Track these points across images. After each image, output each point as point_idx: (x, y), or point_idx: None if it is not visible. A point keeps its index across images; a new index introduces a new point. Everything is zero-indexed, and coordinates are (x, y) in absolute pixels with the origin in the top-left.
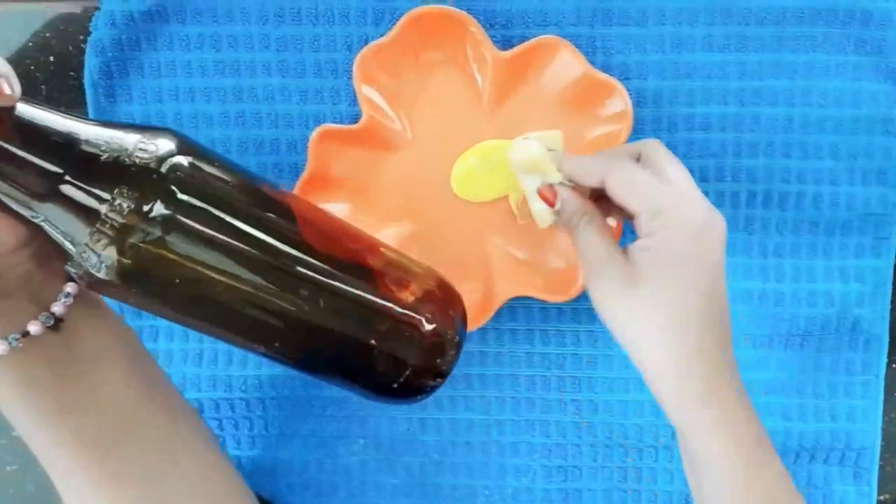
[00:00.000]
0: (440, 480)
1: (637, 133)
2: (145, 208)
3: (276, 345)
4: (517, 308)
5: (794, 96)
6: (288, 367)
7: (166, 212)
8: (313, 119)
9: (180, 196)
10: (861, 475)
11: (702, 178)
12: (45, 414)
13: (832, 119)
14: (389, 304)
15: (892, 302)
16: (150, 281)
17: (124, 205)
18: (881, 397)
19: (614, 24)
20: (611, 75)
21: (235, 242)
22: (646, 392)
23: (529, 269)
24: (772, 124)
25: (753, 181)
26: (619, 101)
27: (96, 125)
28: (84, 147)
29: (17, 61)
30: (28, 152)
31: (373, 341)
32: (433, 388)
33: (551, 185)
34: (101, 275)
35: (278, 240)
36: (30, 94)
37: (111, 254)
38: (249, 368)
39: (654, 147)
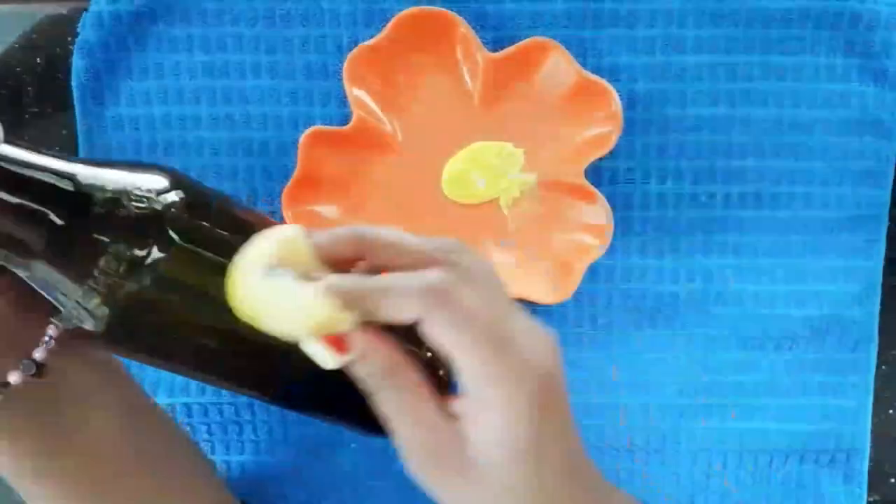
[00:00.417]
0: None
1: (627, 135)
2: (146, 261)
3: (280, 390)
4: None
5: (784, 98)
6: (287, 409)
7: (166, 264)
8: (303, 121)
9: (181, 245)
10: (851, 476)
11: (692, 179)
12: (28, 463)
13: (822, 120)
14: None
15: (882, 303)
16: (148, 336)
17: (122, 259)
18: (871, 398)
19: (605, 27)
20: (601, 77)
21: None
22: (637, 396)
23: (520, 271)
24: (762, 126)
25: (744, 182)
26: (610, 103)
27: (84, 166)
28: (75, 197)
29: (3, 62)
30: (13, 202)
31: None
32: None
33: (341, 334)
34: (96, 330)
35: None
36: (16, 96)
37: (107, 311)
38: None
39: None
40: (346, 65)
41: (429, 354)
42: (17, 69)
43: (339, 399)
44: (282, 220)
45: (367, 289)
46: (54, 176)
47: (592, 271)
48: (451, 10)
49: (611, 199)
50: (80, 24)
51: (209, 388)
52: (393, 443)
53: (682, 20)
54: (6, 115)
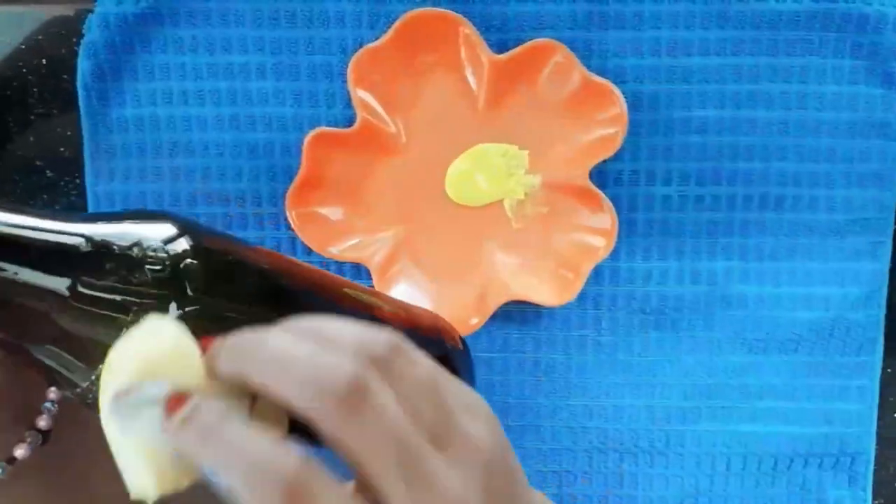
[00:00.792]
0: None
1: (633, 137)
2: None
3: None
4: (511, 312)
5: (790, 100)
6: None
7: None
8: (308, 122)
9: (204, 303)
10: (856, 480)
11: (697, 181)
12: None
13: (828, 122)
14: None
15: (887, 306)
16: None
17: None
18: (876, 402)
19: (610, 28)
20: (606, 79)
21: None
22: (640, 397)
23: (524, 273)
24: (768, 128)
25: (749, 184)
26: (615, 105)
27: (78, 225)
28: (82, 269)
29: (9, 64)
30: (15, 284)
31: None
32: None
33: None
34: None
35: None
36: (22, 97)
37: None
38: None
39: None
40: (350, 66)
41: None
42: (23, 70)
43: None
44: (286, 222)
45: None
46: (54, 240)
47: (597, 273)
48: (456, 12)
49: (616, 201)
50: (85, 26)
51: None
52: None
53: (688, 22)
54: (12, 116)
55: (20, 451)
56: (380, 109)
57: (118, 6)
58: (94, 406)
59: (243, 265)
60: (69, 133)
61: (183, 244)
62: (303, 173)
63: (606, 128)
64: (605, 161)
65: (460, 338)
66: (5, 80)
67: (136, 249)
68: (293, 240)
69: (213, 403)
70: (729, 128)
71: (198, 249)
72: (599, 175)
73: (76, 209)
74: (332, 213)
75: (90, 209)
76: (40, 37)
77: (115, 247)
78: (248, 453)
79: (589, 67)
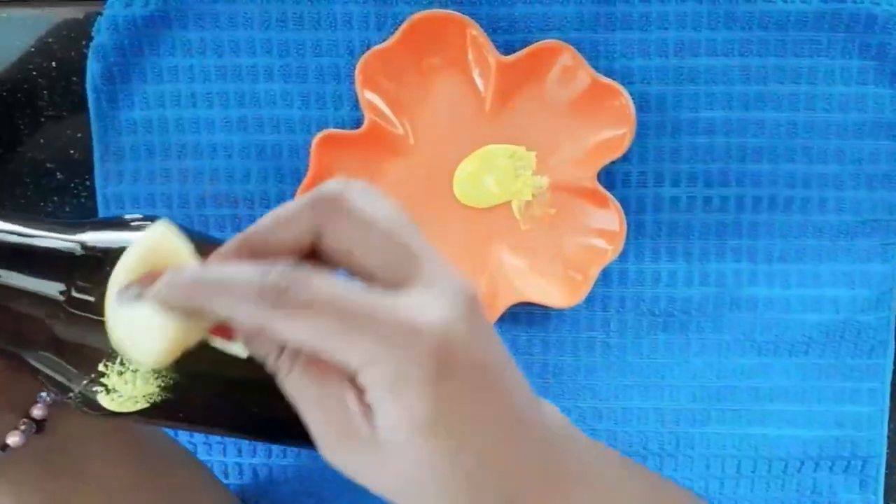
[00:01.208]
0: None
1: (640, 138)
2: None
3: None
4: (519, 314)
5: (799, 101)
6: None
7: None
8: (315, 124)
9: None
10: (867, 483)
11: (706, 182)
12: None
13: (837, 123)
14: None
15: None
16: (167, 408)
17: None
18: (887, 404)
19: (617, 29)
20: (614, 80)
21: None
22: (649, 400)
23: (532, 275)
24: (776, 129)
25: (758, 186)
26: (623, 106)
27: (71, 231)
28: (76, 275)
29: (20, 66)
30: (9, 291)
31: None
32: None
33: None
34: (106, 408)
35: None
36: (32, 99)
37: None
38: None
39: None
40: (357, 68)
41: None
42: (33, 73)
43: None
44: None
45: (220, 257)
46: (47, 248)
47: (605, 275)
48: (463, 14)
49: (623, 203)
50: (94, 28)
51: None
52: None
53: (696, 23)
54: (22, 118)
55: (14, 439)
56: (387, 111)
57: (127, 9)
58: (86, 408)
59: None
60: (79, 135)
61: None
62: (311, 175)
63: (614, 129)
64: (612, 162)
65: None
66: (16, 83)
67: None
68: None
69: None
70: (737, 129)
71: (189, 253)
72: (607, 176)
73: (86, 211)
74: None
75: (100, 211)
76: (50, 40)
77: (108, 252)
78: (234, 278)
79: (596, 68)
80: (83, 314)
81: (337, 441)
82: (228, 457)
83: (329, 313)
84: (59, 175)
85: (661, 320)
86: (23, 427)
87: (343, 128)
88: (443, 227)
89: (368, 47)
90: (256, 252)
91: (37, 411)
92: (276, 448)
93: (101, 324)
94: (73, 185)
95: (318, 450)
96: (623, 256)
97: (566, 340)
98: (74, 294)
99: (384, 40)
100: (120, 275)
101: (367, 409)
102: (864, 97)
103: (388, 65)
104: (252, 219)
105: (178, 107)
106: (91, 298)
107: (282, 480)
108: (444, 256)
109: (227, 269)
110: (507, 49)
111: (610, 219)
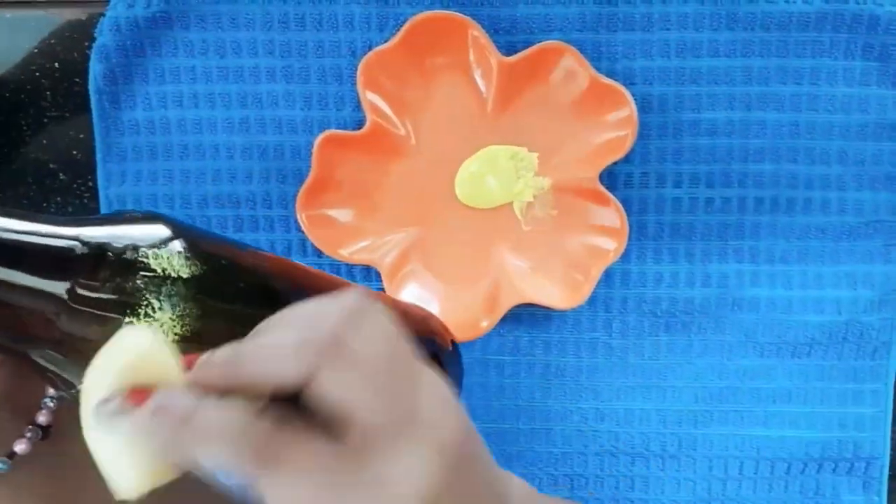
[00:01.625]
0: None
1: (642, 139)
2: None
3: None
4: (521, 315)
5: (801, 102)
6: None
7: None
8: (317, 125)
9: (198, 305)
10: (870, 485)
11: (708, 183)
12: None
13: (839, 124)
14: None
15: None
16: None
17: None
18: (890, 406)
19: (619, 30)
20: (616, 81)
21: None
22: (651, 401)
23: (534, 276)
24: (778, 130)
25: (760, 187)
26: (625, 107)
27: (73, 229)
28: (79, 272)
29: (23, 68)
30: (13, 288)
31: None
32: None
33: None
34: None
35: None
36: (36, 100)
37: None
38: None
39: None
40: (360, 69)
41: None
42: (37, 74)
43: None
44: (296, 224)
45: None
46: (46, 247)
47: (607, 276)
48: (465, 14)
49: (626, 204)
50: (97, 30)
51: None
52: None
53: (698, 23)
54: (25, 119)
55: (20, 447)
56: (389, 112)
57: (129, 10)
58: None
59: (237, 267)
60: (82, 136)
61: (177, 246)
62: (313, 176)
63: (616, 130)
64: (614, 163)
65: (452, 341)
66: (19, 84)
67: (130, 252)
68: (303, 242)
69: (181, 391)
70: (739, 130)
71: (191, 252)
72: (609, 177)
73: (89, 211)
74: (343, 215)
75: (102, 212)
76: (53, 41)
77: (110, 249)
78: (222, 428)
79: (598, 69)
80: (87, 310)
81: None
82: None
83: (315, 482)
84: (61, 175)
85: (663, 321)
86: (28, 434)
87: (345, 128)
88: (445, 227)
89: (370, 48)
90: (241, 383)
91: (42, 418)
92: None
93: (106, 318)
94: (75, 185)
95: None
96: (625, 257)
97: (568, 341)
98: (78, 291)
99: (386, 41)
100: (100, 383)
101: None
102: (867, 98)
103: (390, 66)
104: (254, 219)
105: (181, 107)
106: (94, 294)
107: None
108: (436, 391)
109: (212, 415)
110: (508, 50)
111: (612, 220)
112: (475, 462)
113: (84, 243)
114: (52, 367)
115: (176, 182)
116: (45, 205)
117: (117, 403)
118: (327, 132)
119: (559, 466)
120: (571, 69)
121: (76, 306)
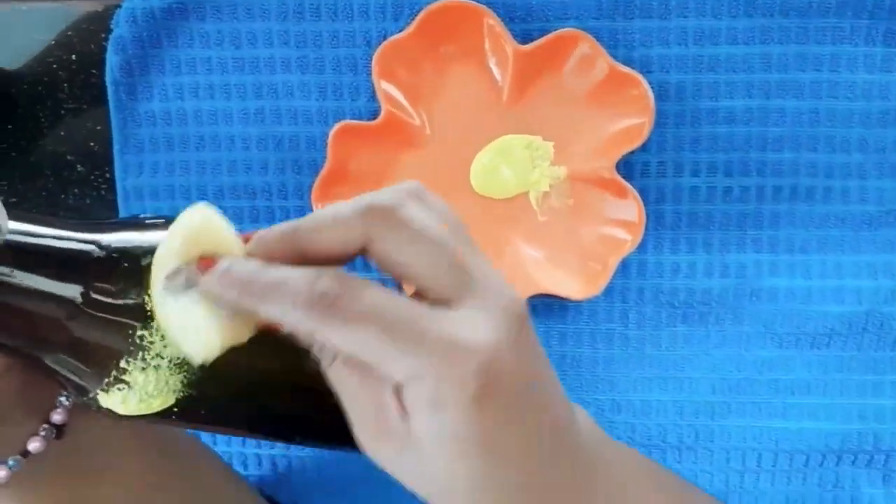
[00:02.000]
0: None
1: (660, 127)
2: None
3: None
4: (537, 306)
5: (821, 89)
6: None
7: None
8: (332, 115)
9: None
10: (890, 478)
11: (726, 172)
12: None
13: (860, 112)
14: None
15: None
16: (193, 412)
17: (151, 341)
18: None
19: (636, 17)
20: (633, 68)
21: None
22: (668, 392)
23: (550, 266)
24: (797, 117)
25: (779, 175)
26: (642, 95)
27: (89, 233)
28: (95, 277)
29: (41, 60)
30: (28, 292)
31: None
32: None
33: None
34: (120, 413)
35: None
36: (53, 92)
37: (134, 400)
38: None
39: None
40: (374, 59)
41: None
42: (54, 66)
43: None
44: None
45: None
46: (64, 251)
47: (624, 266)
48: (480, 3)
49: (643, 193)
50: (113, 21)
51: None
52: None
53: (716, 10)
54: (43, 111)
55: (34, 445)
56: (404, 102)
57: (145, 1)
58: (102, 412)
59: None
60: (99, 128)
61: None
62: (328, 166)
63: (633, 118)
64: (631, 152)
65: None
66: (37, 76)
67: (146, 258)
68: None
69: (246, 259)
70: (758, 118)
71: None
72: (626, 166)
73: (106, 203)
74: None
75: (119, 203)
76: (70, 33)
77: (125, 254)
78: (287, 283)
79: (615, 57)
80: (102, 315)
81: (373, 436)
82: (248, 447)
83: (377, 326)
84: (79, 167)
85: (680, 312)
86: (43, 433)
87: (360, 119)
88: (460, 217)
89: (385, 38)
90: (300, 248)
91: (56, 416)
92: None
93: (120, 325)
94: (93, 177)
95: (339, 449)
96: (642, 247)
97: (584, 332)
98: (93, 296)
99: (401, 30)
100: (166, 258)
101: (404, 412)
102: (888, 85)
103: (405, 55)
104: (270, 210)
105: (197, 98)
106: (109, 299)
107: (300, 471)
108: (495, 270)
109: (278, 272)
110: (524, 38)
111: (629, 209)
112: (535, 342)
113: (101, 247)
114: (64, 372)
115: (192, 173)
116: (62, 196)
117: (185, 273)
118: (342, 123)
119: None
120: (588, 57)
121: (89, 311)
